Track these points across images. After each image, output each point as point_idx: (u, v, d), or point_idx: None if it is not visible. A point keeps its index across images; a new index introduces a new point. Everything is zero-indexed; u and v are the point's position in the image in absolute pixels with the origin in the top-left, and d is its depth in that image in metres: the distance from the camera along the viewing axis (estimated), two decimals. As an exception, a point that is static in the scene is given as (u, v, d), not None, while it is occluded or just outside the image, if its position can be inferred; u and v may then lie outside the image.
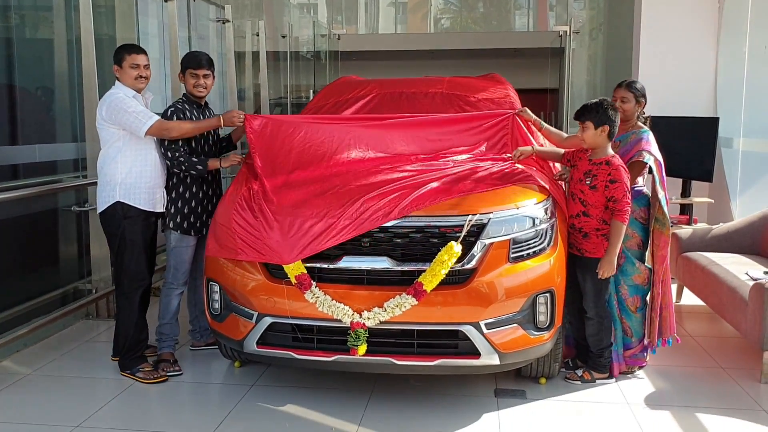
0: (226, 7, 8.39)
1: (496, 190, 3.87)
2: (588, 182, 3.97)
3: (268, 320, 3.74)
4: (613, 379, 4.25)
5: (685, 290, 5.82)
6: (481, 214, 3.65)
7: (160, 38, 7.53)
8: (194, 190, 4.35)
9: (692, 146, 6.49)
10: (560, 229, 3.92)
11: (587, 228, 4.00)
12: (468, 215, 3.63)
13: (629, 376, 4.33)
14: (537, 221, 3.75)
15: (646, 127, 4.34)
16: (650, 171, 4.20)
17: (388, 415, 3.80)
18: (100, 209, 4.25)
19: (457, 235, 3.60)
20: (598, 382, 4.21)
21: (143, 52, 4.23)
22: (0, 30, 5.40)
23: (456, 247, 3.54)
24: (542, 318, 3.73)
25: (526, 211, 3.75)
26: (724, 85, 7.31)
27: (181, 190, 4.31)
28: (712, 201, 6.87)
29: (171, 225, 4.32)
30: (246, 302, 3.79)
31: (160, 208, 4.32)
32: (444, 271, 3.52)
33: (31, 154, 5.24)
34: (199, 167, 4.24)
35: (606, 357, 4.20)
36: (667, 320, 4.32)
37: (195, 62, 4.31)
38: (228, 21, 8.40)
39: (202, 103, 4.47)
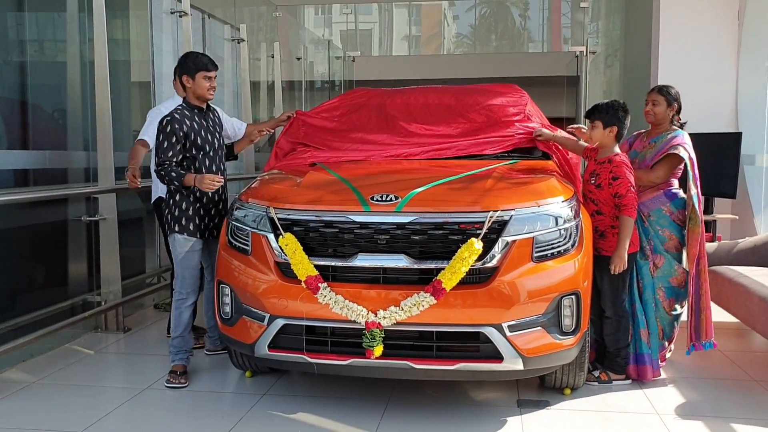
0: (241, 27, 8.41)
1: (519, 187, 3.75)
2: (593, 181, 4.01)
3: (280, 322, 3.58)
4: (629, 381, 4.15)
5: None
6: (502, 210, 3.50)
7: (174, 56, 7.51)
8: (199, 194, 4.16)
9: (715, 162, 6.34)
10: (586, 229, 3.76)
11: (602, 226, 3.97)
12: (489, 211, 3.48)
13: (657, 385, 4.15)
14: (561, 220, 3.60)
15: (680, 129, 4.26)
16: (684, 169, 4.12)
17: (406, 424, 3.61)
18: (152, 200, 4.92)
19: (478, 232, 3.45)
20: (615, 384, 4.10)
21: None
22: (12, 30, 5.38)
23: (477, 244, 3.39)
24: (567, 321, 3.55)
25: (549, 209, 3.61)
26: (745, 103, 7.19)
27: (184, 192, 4.14)
28: (736, 217, 6.70)
29: (176, 228, 4.16)
30: (257, 304, 3.65)
31: None
32: (464, 269, 3.37)
33: (41, 160, 5.17)
34: (174, 182, 4.04)
35: (623, 357, 4.10)
36: (704, 323, 4.14)
37: (207, 63, 4.19)
38: (243, 40, 8.41)
39: (205, 107, 4.29)
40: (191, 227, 4.16)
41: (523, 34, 17.78)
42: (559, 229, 3.59)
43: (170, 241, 4.24)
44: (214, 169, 4.23)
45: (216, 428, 3.54)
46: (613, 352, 4.10)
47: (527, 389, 4.10)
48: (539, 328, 3.49)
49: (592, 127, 4.00)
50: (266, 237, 3.66)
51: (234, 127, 5.13)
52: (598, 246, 3.96)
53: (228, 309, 3.84)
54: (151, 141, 4.63)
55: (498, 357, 3.45)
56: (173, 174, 4.03)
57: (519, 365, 3.47)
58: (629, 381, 4.14)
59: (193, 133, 4.13)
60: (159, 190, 4.77)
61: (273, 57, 9.78)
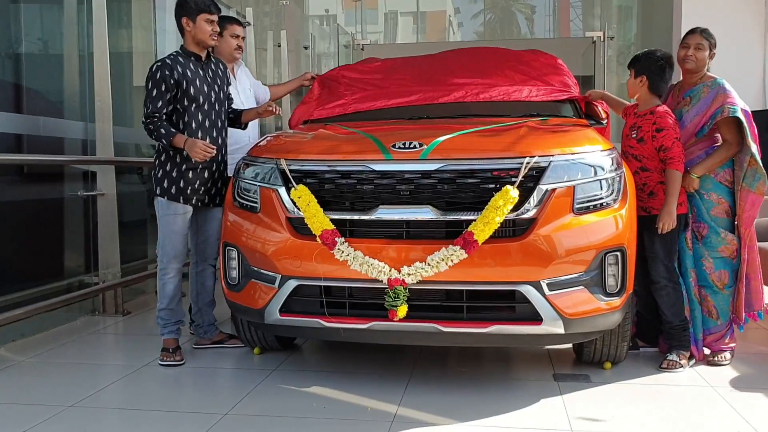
0: (247, 10, 8.11)
1: (557, 135, 3.43)
2: (634, 135, 3.66)
3: (292, 283, 3.23)
4: (693, 361, 3.72)
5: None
6: (540, 156, 3.15)
7: (177, 37, 7.21)
8: (186, 153, 3.67)
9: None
10: (629, 184, 3.40)
11: (651, 183, 3.62)
12: (525, 157, 3.14)
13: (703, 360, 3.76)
14: (602, 170, 3.25)
15: (718, 77, 3.80)
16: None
17: (432, 397, 3.25)
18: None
19: (513, 179, 3.11)
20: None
21: (240, 23, 4.36)
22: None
23: (513, 192, 3.04)
24: (612, 281, 3.20)
25: (590, 158, 3.26)
26: (774, 80, 6.85)
27: (171, 153, 3.72)
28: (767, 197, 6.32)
29: (157, 191, 3.74)
30: (268, 265, 3.30)
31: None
32: (499, 219, 3.02)
33: (34, 125, 4.83)
34: (163, 139, 3.63)
35: (688, 330, 3.70)
36: (756, 291, 3.75)
37: (210, 5, 3.76)
38: (249, 24, 8.11)
39: (205, 56, 3.84)
40: (173, 191, 3.70)
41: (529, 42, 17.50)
42: (601, 180, 3.24)
43: (155, 203, 3.83)
44: (207, 125, 3.76)
45: (219, 403, 3.18)
46: (681, 325, 3.65)
47: (562, 364, 3.74)
48: (581, 287, 3.14)
49: (632, 75, 3.74)
50: (277, 191, 3.32)
51: (261, 90, 4.79)
52: (647, 205, 3.59)
53: (235, 273, 3.49)
54: None
55: (536, 318, 3.09)
56: (162, 130, 3.62)
57: (560, 328, 3.10)
58: (693, 361, 3.71)
59: (185, 81, 3.67)
60: None
61: (280, 46, 9.48)
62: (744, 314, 3.74)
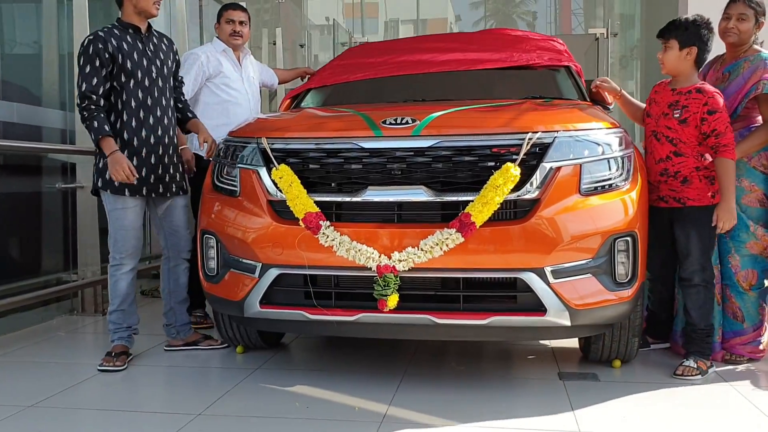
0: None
1: (561, 111, 3.18)
2: (677, 115, 3.20)
3: (274, 272, 2.97)
4: (713, 368, 3.30)
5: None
6: (543, 132, 2.89)
7: (166, 30, 6.99)
8: (127, 136, 3.36)
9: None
10: (639, 165, 3.14)
11: (685, 170, 3.20)
12: (527, 132, 2.87)
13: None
14: (611, 149, 2.99)
15: (764, 51, 3.43)
16: None
17: (426, 395, 2.97)
18: None
19: (514, 157, 2.84)
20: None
21: (241, 8, 4.28)
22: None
23: (514, 169, 2.78)
24: (622, 269, 2.93)
25: (597, 135, 2.99)
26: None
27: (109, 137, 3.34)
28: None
29: (99, 183, 3.39)
30: (247, 253, 3.04)
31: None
32: (498, 199, 2.75)
33: (8, 112, 4.57)
34: (92, 133, 3.31)
35: (712, 337, 3.31)
36: None
37: None
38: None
39: (144, 27, 3.48)
40: (117, 182, 3.33)
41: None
42: (609, 159, 2.98)
43: (102, 197, 3.50)
44: (150, 103, 3.41)
45: (193, 403, 2.91)
46: (705, 329, 3.24)
47: (568, 362, 3.46)
48: (589, 275, 2.87)
49: (664, 48, 3.24)
50: (257, 172, 3.06)
51: (269, 75, 4.65)
52: (681, 195, 3.21)
53: (213, 264, 3.23)
54: (188, 93, 4.03)
55: (540, 309, 2.82)
56: (95, 123, 3.27)
57: (565, 319, 2.83)
58: (714, 367, 3.29)
59: (121, 55, 3.32)
60: None
61: (275, 44, 9.25)
62: None
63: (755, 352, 3.42)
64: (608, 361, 3.38)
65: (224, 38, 4.26)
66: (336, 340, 3.91)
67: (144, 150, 3.42)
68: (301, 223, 2.88)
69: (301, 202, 2.86)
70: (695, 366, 3.18)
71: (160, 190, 3.49)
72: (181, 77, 3.81)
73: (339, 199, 2.93)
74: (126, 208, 3.43)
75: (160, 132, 3.47)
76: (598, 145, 2.97)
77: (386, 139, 2.93)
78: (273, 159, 3.01)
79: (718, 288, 3.40)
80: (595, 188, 2.93)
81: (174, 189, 3.56)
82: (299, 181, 2.92)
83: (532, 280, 2.79)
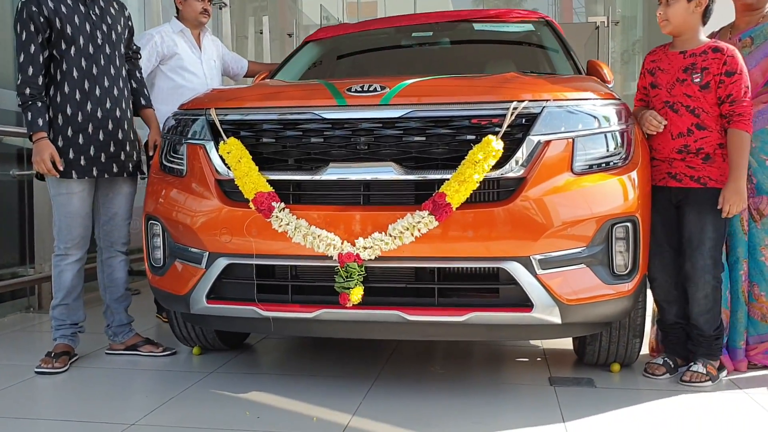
0: (224, -12, 7.53)
1: (550, 79, 2.82)
2: (697, 80, 2.76)
3: (222, 262, 2.60)
4: (725, 372, 2.91)
5: None
6: (530, 101, 2.51)
7: (139, 12, 6.62)
8: (70, 111, 3.02)
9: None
10: (641, 142, 2.76)
11: (708, 146, 2.77)
12: (512, 101, 2.50)
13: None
14: (608, 122, 2.61)
15: None
16: None
17: (398, 403, 2.60)
18: None
19: (497, 129, 2.47)
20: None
21: None
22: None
23: (496, 143, 2.40)
24: (621, 259, 2.55)
25: (592, 106, 2.62)
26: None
27: (50, 114, 3.03)
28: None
29: None
30: (194, 240, 2.66)
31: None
32: (477, 177, 2.38)
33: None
34: (26, 124, 3.01)
35: (722, 338, 2.89)
36: None
37: None
38: (225, 5, 7.54)
39: None
40: (61, 165, 2.99)
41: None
42: (607, 133, 2.60)
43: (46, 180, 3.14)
44: (95, 72, 3.05)
45: (131, 411, 2.54)
46: (715, 334, 2.84)
47: (561, 366, 3.09)
48: (582, 265, 2.50)
49: (667, 1, 2.82)
50: (204, 147, 2.70)
51: (235, 60, 4.27)
52: (702, 174, 2.78)
53: (159, 254, 2.85)
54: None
55: (526, 304, 2.45)
56: (29, 114, 2.94)
57: (555, 316, 2.46)
58: (725, 373, 2.91)
59: (59, 18, 2.97)
60: None
61: (262, 33, 8.90)
62: None
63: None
64: (606, 365, 3.00)
65: (192, 16, 3.94)
66: (311, 340, 3.53)
67: (90, 126, 3.05)
68: (251, 204, 2.50)
69: (252, 180, 2.49)
70: (705, 371, 2.78)
71: (115, 170, 3.13)
72: (137, 48, 3.44)
73: (297, 177, 2.56)
74: (71, 193, 3.07)
75: (109, 105, 3.10)
76: (594, 117, 2.60)
77: (351, 108, 2.56)
78: (222, 132, 2.63)
79: (745, 286, 2.97)
80: (590, 166, 2.55)
81: (131, 168, 3.20)
82: (250, 156, 2.55)
83: (517, 270, 2.42)
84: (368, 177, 2.50)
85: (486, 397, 2.68)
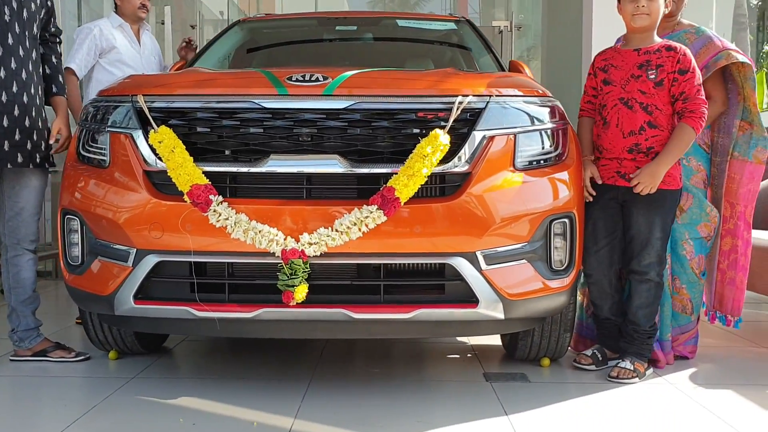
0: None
1: (489, 75, 2.82)
2: (652, 76, 2.78)
3: (151, 260, 2.43)
4: (651, 370, 2.94)
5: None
6: (475, 95, 2.50)
7: None
8: None
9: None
10: (574, 140, 2.81)
11: (658, 146, 2.78)
12: (458, 96, 2.48)
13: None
14: (546, 119, 2.64)
15: (696, 25, 3.17)
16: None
17: (338, 405, 2.52)
18: None
19: (443, 124, 2.44)
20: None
21: None
22: None
23: (443, 137, 2.37)
24: (559, 255, 2.59)
25: (532, 103, 2.64)
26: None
27: None
28: None
29: None
30: (119, 236, 2.48)
31: None
32: (426, 172, 2.34)
33: None
34: None
35: (654, 337, 2.95)
36: (738, 293, 3.13)
37: None
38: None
39: None
40: None
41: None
42: (546, 130, 2.63)
43: None
44: (1, 53, 2.80)
45: (49, 422, 2.33)
46: (649, 331, 2.89)
47: (490, 362, 3.10)
48: (524, 261, 2.51)
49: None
50: (131, 137, 2.51)
51: (160, 60, 4.16)
52: None
53: (77, 251, 2.63)
54: (80, 69, 3.81)
55: (471, 300, 2.44)
56: None
57: (499, 312, 2.46)
58: (651, 370, 2.94)
59: None
60: None
61: (163, 23, 8.51)
62: (722, 313, 3.16)
63: (694, 352, 3.17)
64: (536, 360, 3.04)
65: (130, 11, 3.90)
66: (230, 342, 3.38)
67: None
68: (186, 198, 2.35)
69: (186, 171, 2.34)
70: (632, 368, 2.83)
71: (19, 160, 2.86)
72: (57, 30, 3.17)
73: (235, 169, 2.43)
74: None
75: (15, 88, 2.84)
76: (534, 114, 2.62)
77: (292, 98, 2.46)
78: (152, 120, 2.46)
79: (669, 281, 3.06)
80: (530, 162, 2.57)
81: (38, 160, 2.94)
82: (184, 146, 2.40)
83: (462, 266, 2.40)
84: (312, 170, 2.41)
85: (425, 395, 2.65)
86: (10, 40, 2.83)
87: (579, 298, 3.14)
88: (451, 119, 2.42)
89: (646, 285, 2.85)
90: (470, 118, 2.48)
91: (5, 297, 3.08)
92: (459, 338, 3.47)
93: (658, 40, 2.88)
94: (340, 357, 3.15)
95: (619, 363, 2.88)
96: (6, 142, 2.82)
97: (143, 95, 2.52)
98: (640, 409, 2.55)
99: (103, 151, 2.59)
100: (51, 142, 3.00)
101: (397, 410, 2.47)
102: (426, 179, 2.36)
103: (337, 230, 2.31)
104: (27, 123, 2.89)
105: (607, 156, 2.87)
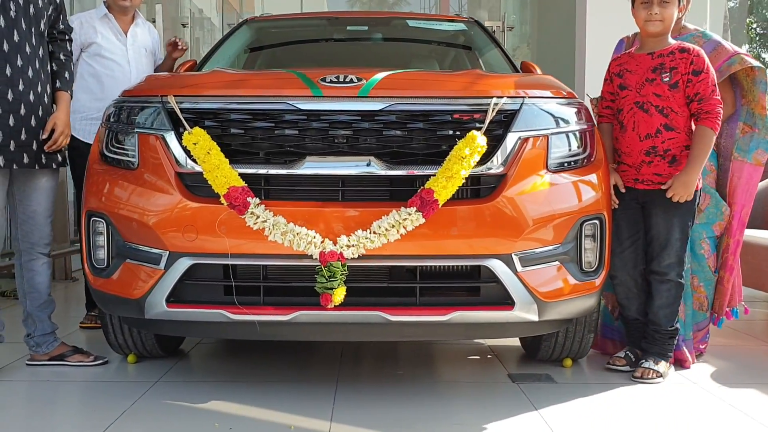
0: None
1: (517, 76, 2.82)
2: (666, 79, 2.79)
3: (185, 263, 2.39)
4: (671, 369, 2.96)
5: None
6: (509, 97, 2.50)
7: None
8: None
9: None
10: (600, 142, 2.82)
11: (675, 148, 2.80)
12: (492, 97, 2.48)
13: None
14: (576, 121, 2.65)
15: (701, 28, 3.21)
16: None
17: (372, 408, 2.51)
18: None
19: (479, 125, 2.44)
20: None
21: None
22: None
23: (480, 138, 2.37)
24: (589, 257, 2.60)
25: (563, 105, 2.65)
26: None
27: None
28: None
29: None
30: (150, 239, 2.44)
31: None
32: (464, 173, 2.34)
33: None
34: None
35: (675, 337, 2.96)
36: (739, 283, 3.19)
37: None
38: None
39: None
40: None
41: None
42: (577, 132, 2.64)
43: None
44: (7, 49, 2.72)
45: (83, 428, 2.28)
46: (672, 331, 2.90)
47: (511, 363, 3.10)
48: (556, 262, 2.52)
49: (660, 3, 2.78)
50: (162, 138, 2.47)
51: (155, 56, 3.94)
52: (669, 176, 2.81)
53: (102, 253, 2.59)
54: None
55: (507, 302, 2.44)
56: None
57: (533, 314, 2.46)
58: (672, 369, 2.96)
59: None
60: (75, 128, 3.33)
61: (154, 22, 8.42)
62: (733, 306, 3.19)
63: (706, 347, 3.21)
64: (557, 361, 3.05)
65: (112, 0, 3.68)
66: (243, 345, 3.34)
67: (0, 109, 2.71)
68: (222, 200, 2.33)
69: (223, 174, 2.31)
70: (656, 368, 2.85)
71: (25, 161, 2.78)
72: (66, 28, 3.09)
73: (270, 171, 2.41)
74: None
75: (22, 86, 2.76)
76: (565, 115, 2.63)
77: (327, 100, 2.44)
78: (184, 121, 2.43)
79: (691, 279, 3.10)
80: (562, 164, 2.58)
81: (44, 160, 2.86)
82: (219, 148, 2.37)
83: (499, 268, 2.40)
84: (347, 171, 2.39)
85: (454, 396, 2.66)
86: (16, 37, 2.76)
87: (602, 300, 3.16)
88: (487, 120, 2.42)
89: (666, 285, 2.87)
90: (504, 120, 2.48)
91: (20, 302, 3.01)
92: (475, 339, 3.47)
93: (671, 42, 2.90)
94: (360, 358, 3.14)
95: (642, 363, 2.89)
96: (12, 142, 2.74)
97: (174, 96, 2.48)
98: (671, 407, 2.57)
99: (130, 152, 2.55)
100: (44, 136, 2.86)
101: (430, 412, 2.47)
102: (464, 180, 2.35)
103: (375, 232, 2.30)
104: (33, 122, 2.81)
105: (625, 160, 2.89)
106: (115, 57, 3.67)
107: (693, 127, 2.85)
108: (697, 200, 2.93)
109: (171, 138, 2.45)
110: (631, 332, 3.02)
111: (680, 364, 3.00)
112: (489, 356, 3.23)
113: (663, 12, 2.79)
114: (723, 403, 2.61)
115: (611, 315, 3.20)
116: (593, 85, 2.93)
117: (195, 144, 2.35)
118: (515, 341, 3.31)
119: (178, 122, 2.45)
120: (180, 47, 3.78)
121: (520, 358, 3.17)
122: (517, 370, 2.98)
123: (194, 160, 2.39)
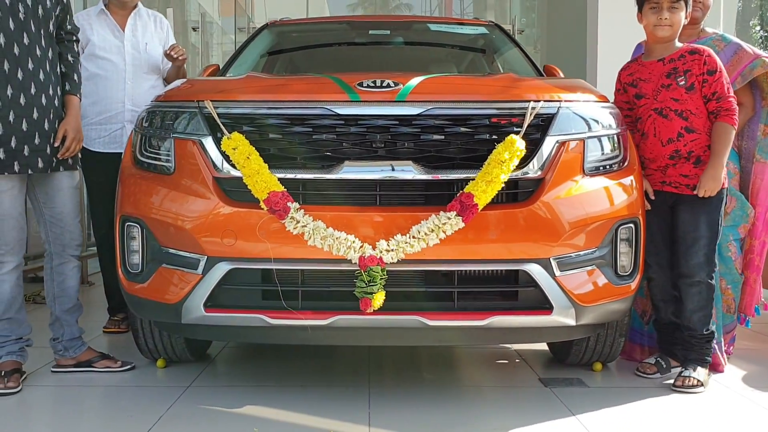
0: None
1: (551, 80, 2.82)
2: (682, 82, 2.80)
3: (223, 267, 2.39)
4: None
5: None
6: (546, 101, 2.50)
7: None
8: None
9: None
10: (633, 145, 2.82)
11: (697, 149, 2.80)
12: (530, 101, 2.48)
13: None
14: (610, 124, 2.65)
15: (719, 32, 3.22)
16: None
17: (409, 413, 2.50)
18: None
19: (517, 129, 2.43)
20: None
21: None
22: None
23: (519, 142, 2.37)
24: (624, 260, 2.60)
25: (597, 108, 2.65)
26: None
27: None
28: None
29: None
30: (187, 243, 2.44)
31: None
32: (504, 177, 2.34)
33: None
34: None
35: (712, 341, 2.93)
36: (750, 292, 3.17)
37: None
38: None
39: None
40: None
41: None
42: (612, 135, 2.65)
43: None
44: (17, 52, 2.68)
45: (127, 429, 2.28)
46: (705, 336, 2.85)
47: (540, 366, 3.09)
48: (593, 266, 2.52)
49: (669, 8, 2.79)
50: (200, 143, 2.47)
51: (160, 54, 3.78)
52: (695, 183, 2.80)
53: (137, 258, 2.59)
54: None
55: (545, 307, 2.43)
56: None
57: (571, 318, 2.46)
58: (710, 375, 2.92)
59: None
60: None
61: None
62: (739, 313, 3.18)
63: (732, 348, 3.21)
64: (587, 365, 3.05)
65: None
66: (270, 349, 3.32)
67: (12, 113, 2.67)
68: (262, 205, 2.32)
69: (263, 179, 2.31)
70: (697, 376, 2.79)
71: (39, 165, 2.74)
72: (71, 28, 3.01)
73: (309, 176, 2.40)
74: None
75: (34, 90, 2.72)
76: (600, 119, 2.63)
77: (365, 104, 2.44)
78: (222, 127, 2.42)
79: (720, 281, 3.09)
80: (598, 168, 2.58)
81: (55, 164, 2.81)
82: (258, 153, 2.37)
83: (537, 272, 2.40)
84: (386, 176, 2.39)
85: (488, 400, 2.66)
86: (26, 40, 2.71)
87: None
88: (525, 124, 2.42)
89: (696, 288, 2.84)
90: (542, 124, 2.48)
91: (48, 305, 3.01)
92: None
93: (678, 45, 2.91)
94: (387, 362, 3.13)
95: (682, 372, 2.83)
96: (26, 146, 2.70)
97: (211, 101, 2.48)
98: (708, 413, 2.56)
99: (166, 157, 2.54)
100: (56, 144, 2.82)
101: (467, 416, 2.47)
102: (504, 184, 2.35)
103: (414, 237, 2.30)
104: (46, 126, 2.77)
105: (652, 166, 2.89)
106: (108, 55, 3.53)
107: (712, 121, 2.85)
108: (724, 199, 2.92)
109: (209, 143, 2.45)
110: (664, 338, 3.01)
111: (714, 368, 2.99)
112: (517, 360, 3.22)
113: (672, 17, 2.81)
114: (758, 407, 2.60)
115: (641, 319, 3.20)
116: (606, 89, 2.94)
117: (234, 149, 2.35)
118: (542, 345, 3.30)
119: (215, 127, 2.45)
120: (179, 57, 3.55)
121: (548, 362, 3.16)
122: (547, 375, 2.98)
123: (232, 165, 2.39)
